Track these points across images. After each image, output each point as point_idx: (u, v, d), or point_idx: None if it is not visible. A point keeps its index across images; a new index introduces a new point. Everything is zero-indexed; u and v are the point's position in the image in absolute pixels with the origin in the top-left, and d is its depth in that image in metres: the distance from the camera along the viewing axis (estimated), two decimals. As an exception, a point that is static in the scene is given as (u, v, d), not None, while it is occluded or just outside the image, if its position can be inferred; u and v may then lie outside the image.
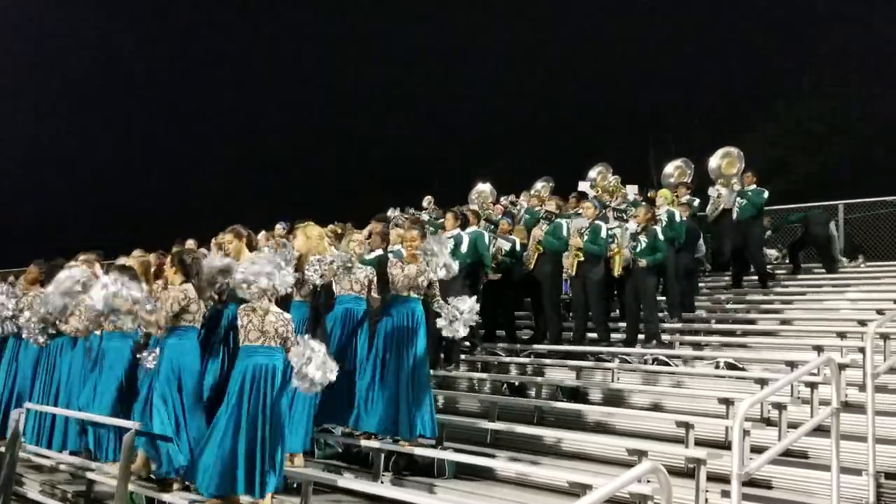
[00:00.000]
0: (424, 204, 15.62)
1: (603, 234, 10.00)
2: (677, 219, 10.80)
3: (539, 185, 14.74)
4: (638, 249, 9.75)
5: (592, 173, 13.99)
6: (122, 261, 8.13)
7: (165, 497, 6.00)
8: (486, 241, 10.45)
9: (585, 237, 9.95)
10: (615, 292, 11.11)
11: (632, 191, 12.89)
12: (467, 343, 10.45)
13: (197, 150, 42.07)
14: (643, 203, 11.29)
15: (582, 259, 9.96)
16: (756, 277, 12.69)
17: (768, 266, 13.10)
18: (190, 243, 11.21)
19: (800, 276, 13.49)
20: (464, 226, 10.32)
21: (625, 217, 10.17)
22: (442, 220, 12.01)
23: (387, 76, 41.59)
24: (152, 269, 7.96)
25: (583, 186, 13.74)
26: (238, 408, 5.73)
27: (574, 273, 10.08)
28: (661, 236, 9.90)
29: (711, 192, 13.22)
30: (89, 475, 6.63)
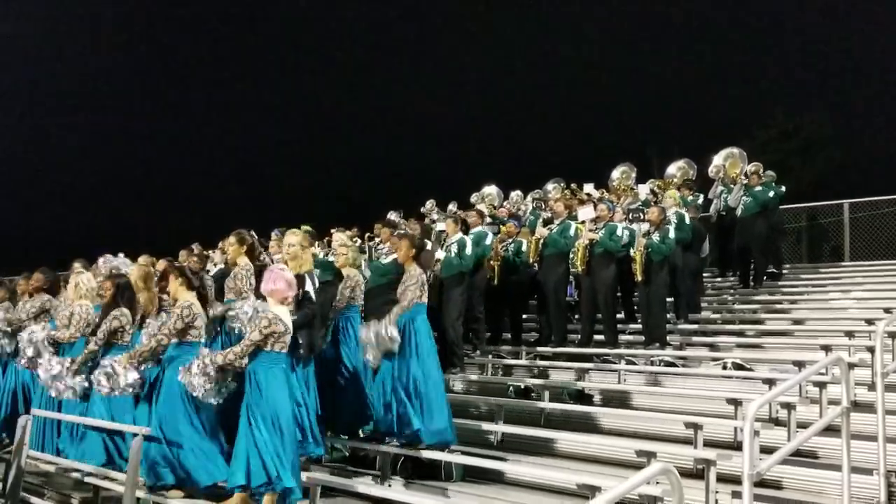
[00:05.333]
0: (427, 206, 15.55)
1: (619, 231, 9.99)
2: (687, 221, 10.80)
3: (550, 186, 14.70)
4: (650, 249, 9.74)
5: (615, 173, 13.91)
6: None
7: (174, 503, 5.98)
8: (490, 240, 10.45)
9: (601, 233, 9.95)
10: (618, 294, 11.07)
11: (643, 190, 12.83)
12: (470, 346, 10.44)
13: (201, 164, 42.08)
14: (656, 204, 11.25)
15: (596, 252, 9.95)
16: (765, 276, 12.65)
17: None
18: (195, 248, 11.18)
19: (805, 276, 13.47)
20: (466, 230, 10.30)
21: (641, 217, 10.13)
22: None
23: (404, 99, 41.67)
24: (154, 276, 7.97)
25: (588, 188, 13.69)
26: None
27: (584, 272, 10.07)
28: (671, 235, 9.89)
29: (716, 191, 13.20)
30: (96, 482, 6.61)
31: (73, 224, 36.62)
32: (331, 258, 8.60)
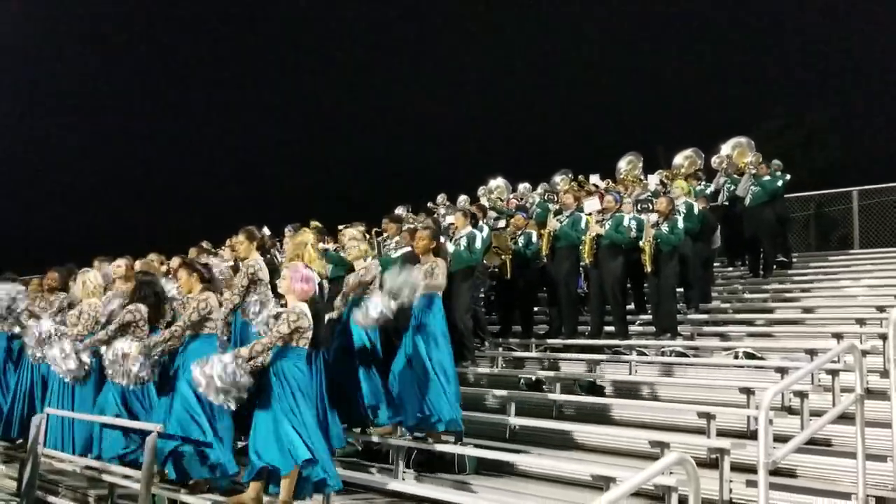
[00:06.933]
0: (438, 200, 15.52)
1: (625, 222, 9.97)
2: (695, 210, 10.78)
3: (557, 178, 14.67)
4: (659, 239, 9.73)
5: (622, 163, 13.88)
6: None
7: (189, 499, 6.00)
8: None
9: (607, 226, 9.94)
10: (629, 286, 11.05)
11: (653, 181, 12.79)
12: (478, 339, 10.44)
13: (204, 164, 42.10)
14: (665, 194, 11.23)
15: (603, 243, 9.94)
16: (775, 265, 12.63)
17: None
18: (204, 244, 11.21)
19: (815, 264, 13.44)
20: (475, 224, 10.29)
21: (650, 208, 10.12)
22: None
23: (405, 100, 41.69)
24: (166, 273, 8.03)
25: (594, 179, 13.68)
26: None
27: (592, 264, 10.05)
28: (680, 225, 9.88)
29: (720, 181, 13.15)
30: (111, 479, 6.64)
31: (73, 224, 36.61)
32: (343, 254, 8.61)
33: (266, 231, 10.36)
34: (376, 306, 6.86)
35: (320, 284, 7.06)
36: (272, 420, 5.56)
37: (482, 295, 11.24)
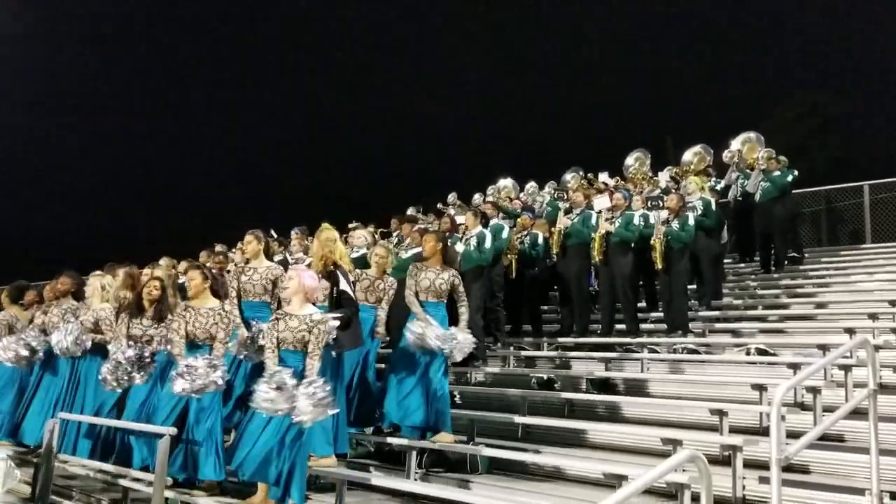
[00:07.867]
0: (449, 200, 15.48)
1: (635, 220, 9.94)
2: (713, 207, 10.75)
3: (568, 175, 14.63)
4: (670, 237, 9.69)
5: (630, 160, 13.83)
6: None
7: (202, 502, 6.02)
8: (506, 234, 10.44)
9: (616, 223, 9.91)
10: (640, 283, 11.02)
11: (663, 178, 12.74)
12: (491, 338, 10.44)
13: (204, 165, 42.17)
14: (676, 191, 11.19)
15: (612, 241, 9.91)
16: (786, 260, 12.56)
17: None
18: (219, 248, 11.21)
19: (826, 259, 13.37)
20: (486, 223, 10.29)
21: (660, 205, 10.10)
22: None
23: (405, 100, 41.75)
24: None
25: (603, 177, 13.63)
26: None
27: (602, 262, 10.03)
28: (691, 222, 9.84)
29: (731, 177, 13.08)
30: (124, 483, 6.66)
31: (73, 224, 36.69)
32: (353, 255, 8.61)
33: (273, 233, 10.36)
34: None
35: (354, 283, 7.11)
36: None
37: (501, 295, 11.21)
